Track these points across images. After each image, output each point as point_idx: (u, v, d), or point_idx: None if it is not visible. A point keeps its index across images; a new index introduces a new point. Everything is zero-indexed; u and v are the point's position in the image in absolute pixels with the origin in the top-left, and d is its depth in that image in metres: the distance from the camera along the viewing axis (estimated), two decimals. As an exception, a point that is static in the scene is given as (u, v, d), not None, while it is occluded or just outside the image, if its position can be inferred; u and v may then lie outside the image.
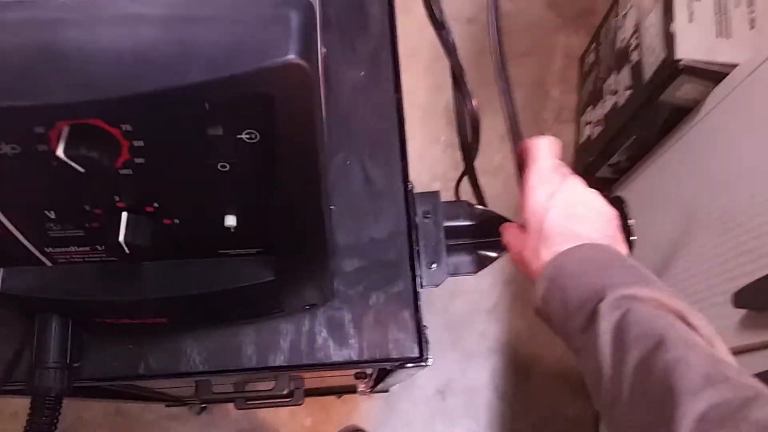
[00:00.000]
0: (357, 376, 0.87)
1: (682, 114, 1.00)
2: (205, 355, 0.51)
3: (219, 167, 0.32)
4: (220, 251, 0.40)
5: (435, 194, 0.58)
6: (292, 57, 0.27)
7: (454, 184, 0.63)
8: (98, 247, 0.38)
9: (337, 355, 0.52)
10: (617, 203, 0.57)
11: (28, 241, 0.37)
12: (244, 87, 0.27)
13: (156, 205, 0.35)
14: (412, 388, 1.26)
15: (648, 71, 1.00)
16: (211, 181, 0.33)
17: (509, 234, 0.51)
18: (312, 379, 1.05)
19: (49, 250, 0.38)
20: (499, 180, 1.20)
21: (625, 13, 1.14)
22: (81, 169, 0.29)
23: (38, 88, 0.27)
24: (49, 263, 0.40)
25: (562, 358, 1.25)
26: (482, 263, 0.57)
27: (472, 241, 0.58)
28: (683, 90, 0.95)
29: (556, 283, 0.42)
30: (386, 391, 1.19)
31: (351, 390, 1.11)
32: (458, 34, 0.54)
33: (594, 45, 1.32)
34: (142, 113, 0.28)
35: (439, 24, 0.61)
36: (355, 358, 0.52)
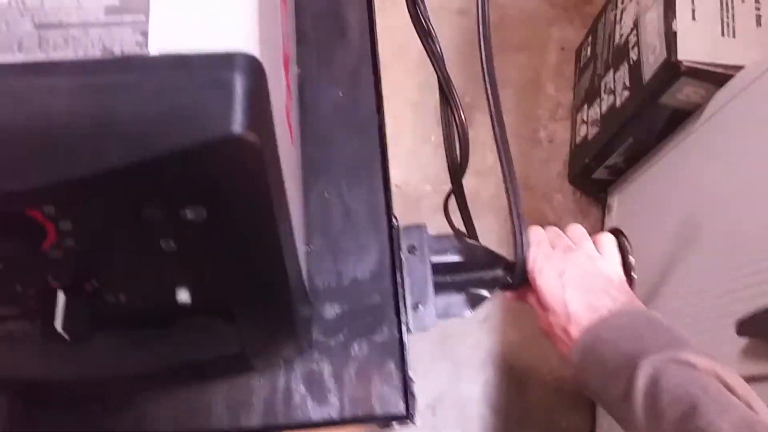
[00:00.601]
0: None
1: (682, 116, 0.96)
2: (172, 416, 0.46)
3: (162, 246, 0.28)
4: (177, 321, 0.36)
5: (421, 228, 0.53)
6: (236, 130, 0.22)
7: (444, 188, 0.58)
8: (33, 324, 0.33)
9: (317, 413, 0.47)
10: (616, 236, 0.52)
11: (-48, 321, 0.32)
12: (178, 167, 0.22)
13: (95, 283, 0.30)
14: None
15: (647, 72, 0.94)
16: (158, 259, 0.29)
17: (532, 304, 0.52)
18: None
19: (-21, 328, 0.33)
20: (491, 181, 1.15)
21: (624, 7, 1.08)
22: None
23: None
24: (-16, 340, 0.35)
25: (557, 370, 1.21)
26: (473, 303, 0.52)
27: (461, 278, 0.53)
28: (684, 92, 0.90)
29: (592, 356, 0.43)
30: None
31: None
32: (448, 26, 0.49)
33: (590, 38, 1.27)
34: (62, 197, 0.24)
35: (425, 31, 0.56)
36: (335, 417, 0.47)
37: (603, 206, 1.26)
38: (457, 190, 0.57)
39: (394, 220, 0.52)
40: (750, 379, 0.69)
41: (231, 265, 0.29)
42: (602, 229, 1.23)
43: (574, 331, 0.45)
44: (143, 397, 0.46)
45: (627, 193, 1.17)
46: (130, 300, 0.32)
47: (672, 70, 0.87)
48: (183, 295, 0.32)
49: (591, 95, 1.21)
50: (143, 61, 0.22)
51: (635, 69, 1.00)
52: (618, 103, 1.07)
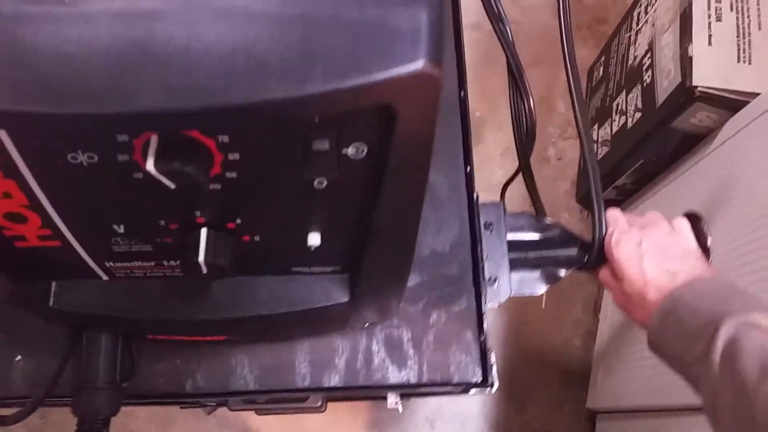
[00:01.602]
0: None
1: (694, 141, 0.95)
2: (256, 374, 0.48)
3: (315, 184, 0.29)
4: (293, 269, 0.37)
5: (498, 204, 0.55)
6: (422, 65, 0.23)
7: (486, 185, 0.59)
8: (164, 263, 0.35)
9: (395, 377, 0.48)
10: (694, 221, 0.54)
11: (89, 255, 0.34)
12: (366, 98, 0.24)
13: (239, 221, 0.31)
14: (400, 415, 1.22)
15: (661, 95, 0.94)
16: (303, 198, 0.30)
17: (605, 280, 0.53)
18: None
19: (109, 264, 0.35)
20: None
21: (639, 29, 1.09)
22: (171, 185, 0.26)
23: (126, 93, 0.23)
24: (105, 278, 0.36)
25: (557, 387, 1.22)
26: (548, 281, 0.54)
27: (537, 256, 0.54)
28: (697, 117, 0.90)
29: (673, 317, 0.44)
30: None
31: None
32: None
33: (603, 58, 1.27)
34: (245, 124, 0.25)
35: (496, 16, 0.58)
36: (413, 381, 0.48)
37: None
38: (526, 170, 0.59)
39: (475, 195, 0.54)
40: None
41: (374, 208, 0.30)
42: None
43: (653, 296, 0.46)
44: (233, 355, 0.47)
45: (634, 207, 1.17)
46: (264, 241, 0.33)
47: (686, 95, 0.86)
48: (314, 239, 0.33)
49: (602, 115, 1.21)
50: (334, 1, 0.24)
51: (648, 91, 1.00)
52: (629, 124, 1.07)
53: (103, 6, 0.23)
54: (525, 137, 0.57)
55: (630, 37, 1.11)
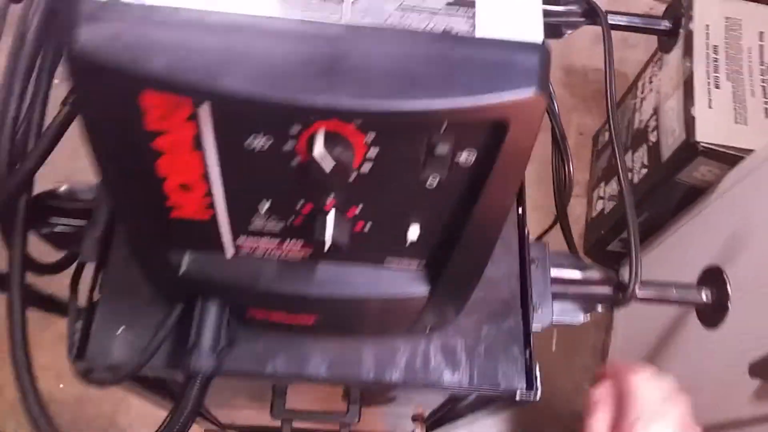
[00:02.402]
0: (414, 419, 0.89)
1: (696, 194, 1.07)
2: (327, 364, 0.54)
3: (427, 183, 0.37)
4: (386, 260, 0.44)
5: (543, 244, 0.62)
6: (534, 91, 0.31)
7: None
8: (286, 242, 0.42)
9: (449, 379, 0.55)
10: (716, 273, 0.61)
11: (229, 229, 0.41)
12: (490, 113, 0.32)
13: (360, 208, 0.39)
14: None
15: (666, 151, 1.06)
16: (415, 194, 0.38)
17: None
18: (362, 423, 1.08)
19: (241, 239, 0.42)
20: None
21: (644, 97, 1.20)
22: (327, 170, 0.34)
23: (314, 90, 0.31)
24: (230, 254, 0.44)
25: (571, 425, 1.26)
26: (586, 311, 0.60)
27: (576, 291, 0.61)
28: (700, 171, 1.02)
29: None
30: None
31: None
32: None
33: (608, 125, 1.39)
34: (391, 126, 0.33)
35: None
36: (465, 384, 0.55)
37: (617, 274, 1.36)
38: (563, 220, 0.67)
39: (526, 232, 0.61)
40: (763, 420, 0.76)
41: (467, 210, 0.38)
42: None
43: None
44: (308, 346, 0.54)
45: (642, 266, 1.25)
46: (372, 230, 0.41)
47: (690, 150, 0.99)
48: (413, 233, 0.41)
49: (608, 173, 1.33)
50: (472, 39, 0.32)
51: (654, 149, 1.11)
52: (636, 179, 1.18)
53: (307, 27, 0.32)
54: (563, 193, 0.66)
55: (635, 104, 1.23)
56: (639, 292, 0.60)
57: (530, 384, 0.55)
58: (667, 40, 0.71)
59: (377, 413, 0.97)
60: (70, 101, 0.54)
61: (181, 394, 0.46)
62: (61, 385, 1.27)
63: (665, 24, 0.69)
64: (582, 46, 1.65)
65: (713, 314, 0.61)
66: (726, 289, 0.59)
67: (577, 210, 1.44)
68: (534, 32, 0.33)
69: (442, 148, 0.34)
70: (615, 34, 1.42)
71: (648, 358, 1.14)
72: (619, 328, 1.30)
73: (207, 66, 0.30)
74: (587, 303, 0.61)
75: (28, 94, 0.56)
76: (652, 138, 1.12)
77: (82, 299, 0.60)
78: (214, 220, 0.40)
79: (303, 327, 0.51)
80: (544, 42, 0.32)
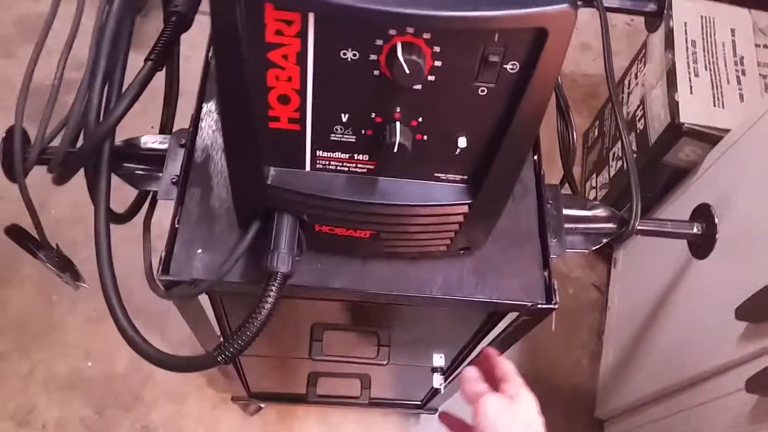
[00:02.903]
0: (433, 370, 0.97)
1: (681, 176, 1.19)
2: (379, 281, 0.63)
3: (479, 91, 0.46)
4: (434, 174, 0.54)
5: (556, 186, 0.72)
6: (567, 6, 0.41)
7: None
8: (357, 156, 0.51)
9: (481, 294, 0.63)
10: (705, 209, 0.70)
11: (312, 140, 0.50)
12: (532, 21, 0.41)
13: (420, 119, 0.48)
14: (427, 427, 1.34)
15: (653, 135, 1.19)
16: (469, 102, 0.47)
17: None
18: (379, 386, 1.15)
19: (319, 153, 0.51)
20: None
21: (630, 92, 1.33)
22: (407, 70, 0.43)
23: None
24: (308, 168, 0.53)
25: (568, 402, 1.35)
26: (594, 243, 0.70)
27: (584, 227, 0.71)
28: (685, 152, 1.14)
29: None
30: (435, 410, 1.28)
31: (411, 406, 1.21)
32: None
33: (597, 123, 1.54)
34: (454, 35, 0.42)
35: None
36: (495, 298, 0.63)
37: (609, 260, 1.48)
38: (569, 176, 0.77)
39: (542, 173, 0.71)
40: (750, 359, 0.85)
41: (510, 117, 0.47)
42: (609, 280, 1.43)
43: None
44: (362, 265, 0.63)
45: (631, 247, 1.37)
46: (428, 141, 0.50)
47: (675, 130, 1.12)
48: (462, 142, 0.50)
49: (599, 165, 1.45)
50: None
51: (642, 136, 1.24)
52: (626, 165, 1.30)
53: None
54: (568, 152, 0.76)
55: (622, 98, 1.35)
56: (639, 227, 0.69)
57: (549, 298, 0.64)
58: (653, 20, 0.82)
59: (397, 372, 1.05)
60: (152, 57, 0.64)
61: (264, 290, 0.54)
62: (90, 363, 1.33)
63: (651, 6, 0.80)
64: (569, 54, 1.77)
65: (704, 245, 0.71)
66: (714, 222, 0.69)
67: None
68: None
69: (495, 56, 0.44)
70: (598, 45, 1.55)
71: (640, 330, 1.24)
72: (613, 308, 1.40)
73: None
74: (595, 237, 0.71)
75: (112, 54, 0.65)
76: (640, 125, 1.24)
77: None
78: (302, 132, 0.49)
79: (358, 247, 0.60)
80: (572, -29, 0.42)
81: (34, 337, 1.37)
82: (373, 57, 0.44)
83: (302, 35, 0.43)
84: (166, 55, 0.65)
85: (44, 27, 0.65)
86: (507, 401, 0.60)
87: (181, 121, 0.73)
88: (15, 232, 0.69)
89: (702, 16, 1.21)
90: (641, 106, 1.26)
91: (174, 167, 0.66)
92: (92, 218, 0.60)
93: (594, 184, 1.46)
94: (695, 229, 0.70)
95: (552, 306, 0.63)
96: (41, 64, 0.62)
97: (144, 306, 0.94)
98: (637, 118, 1.26)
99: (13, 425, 1.29)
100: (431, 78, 0.45)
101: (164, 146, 0.68)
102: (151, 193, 0.70)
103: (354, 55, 0.44)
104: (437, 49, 0.43)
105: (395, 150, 0.48)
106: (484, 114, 0.48)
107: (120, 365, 1.34)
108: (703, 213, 0.70)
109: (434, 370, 0.95)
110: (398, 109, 0.48)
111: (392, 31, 0.42)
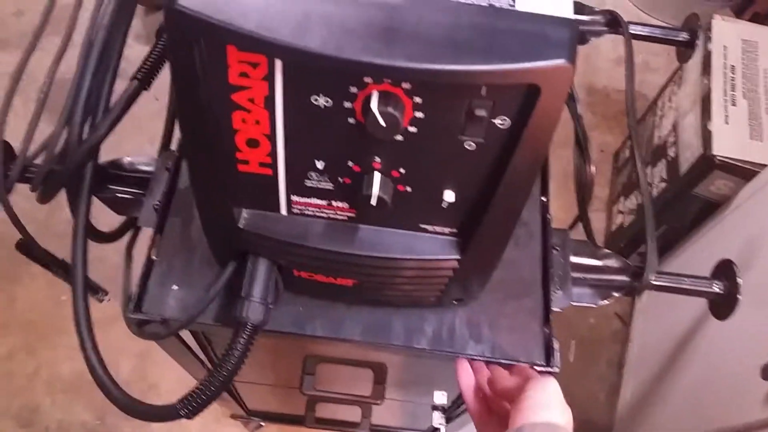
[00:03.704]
0: (434, 408, 0.93)
1: (711, 208, 1.11)
2: (361, 328, 0.59)
3: (466, 145, 0.41)
4: (420, 225, 0.49)
5: (565, 231, 0.67)
6: (564, 62, 0.36)
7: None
8: (334, 203, 0.47)
9: (473, 349, 0.59)
10: (728, 264, 0.64)
11: (285, 186, 0.46)
12: (524, 77, 0.37)
13: (402, 171, 0.44)
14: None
15: (684, 165, 1.11)
16: (454, 156, 0.42)
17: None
18: (380, 414, 1.11)
19: (294, 198, 0.47)
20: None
21: (662, 115, 1.25)
22: (383, 124, 0.38)
23: (374, 51, 0.35)
24: (284, 212, 0.49)
25: None
26: (603, 298, 0.64)
27: (594, 278, 0.65)
28: (716, 185, 1.06)
29: None
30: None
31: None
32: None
33: (629, 143, 1.45)
34: (436, 87, 0.38)
35: (569, 95, 0.72)
36: (488, 354, 0.59)
37: None
38: (584, 216, 0.71)
39: (549, 218, 0.66)
40: None
41: (500, 173, 0.43)
42: (632, 311, 1.36)
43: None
44: (343, 312, 0.59)
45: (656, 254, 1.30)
46: (412, 193, 0.45)
47: (707, 163, 1.04)
48: (449, 196, 0.45)
49: (628, 189, 1.38)
50: (512, 12, 0.37)
51: (673, 164, 1.16)
52: (655, 193, 1.22)
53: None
54: (584, 189, 0.70)
55: (654, 121, 1.28)
56: (654, 281, 0.63)
57: (548, 360, 0.59)
58: (684, 50, 0.76)
59: (398, 404, 1.00)
60: (138, 76, 0.60)
61: (232, 340, 0.51)
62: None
63: (683, 35, 0.73)
64: (604, 66, 1.71)
65: (724, 305, 0.65)
66: (736, 281, 0.63)
67: (596, 224, 1.48)
68: (565, 9, 0.38)
69: (482, 111, 0.39)
70: (638, 59, 1.48)
71: (663, 369, 1.17)
72: (635, 341, 1.33)
73: (287, 27, 0.35)
74: (605, 290, 0.65)
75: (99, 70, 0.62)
76: (671, 153, 1.17)
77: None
78: (274, 177, 0.45)
79: (340, 293, 0.56)
80: (573, 18, 0.37)
81: (41, 337, 1.36)
82: (347, 104, 0.39)
83: (269, 79, 0.39)
84: (153, 75, 0.62)
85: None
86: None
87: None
88: (25, 247, 0.67)
89: (743, 40, 1.13)
90: (673, 132, 1.18)
91: (158, 192, 0.63)
92: (103, 221, 0.58)
93: (621, 209, 1.39)
94: (715, 288, 0.64)
95: (551, 369, 0.58)
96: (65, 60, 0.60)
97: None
98: (669, 145, 1.19)
99: (16, 425, 1.28)
100: (412, 129, 0.41)
101: (150, 168, 0.65)
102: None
103: (326, 101, 0.39)
104: (418, 100, 0.39)
105: (373, 203, 0.44)
106: (472, 169, 0.44)
107: (124, 372, 1.33)
108: (725, 270, 0.64)
109: (435, 408, 0.90)
110: (377, 159, 0.43)
111: (368, 79, 0.38)
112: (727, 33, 1.13)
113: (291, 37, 0.35)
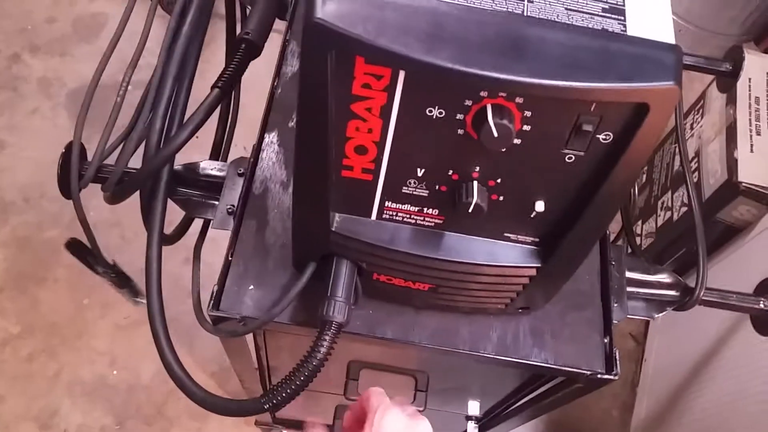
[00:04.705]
0: (467, 418, 0.94)
1: (732, 234, 1.14)
2: (428, 333, 0.61)
3: (566, 158, 0.44)
4: (504, 233, 0.51)
5: (620, 247, 0.69)
6: (672, 83, 0.39)
7: None
8: (426, 210, 0.49)
9: (537, 356, 0.61)
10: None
11: (382, 191, 0.48)
12: (636, 96, 0.39)
13: (499, 180, 0.46)
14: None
15: (707, 191, 1.14)
16: (554, 168, 0.45)
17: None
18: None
19: (388, 203, 0.49)
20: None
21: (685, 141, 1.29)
22: (495, 133, 0.41)
23: (502, 65, 0.38)
24: (374, 217, 0.51)
25: None
26: (658, 311, 0.67)
27: (647, 292, 0.68)
28: (739, 210, 1.10)
29: None
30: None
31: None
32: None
33: (646, 168, 1.50)
34: (548, 102, 0.40)
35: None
36: (551, 362, 0.61)
37: None
38: (630, 233, 0.74)
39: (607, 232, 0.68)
40: None
41: (595, 188, 0.45)
42: (647, 331, 1.38)
43: None
44: (413, 317, 0.61)
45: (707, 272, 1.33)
46: (503, 202, 0.47)
47: (732, 188, 1.08)
48: (539, 206, 0.48)
49: (646, 213, 1.41)
50: (625, 36, 0.40)
51: (695, 189, 1.19)
52: (675, 217, 1.26)
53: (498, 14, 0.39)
54: (629, 209, 0.73)
55: (675, 148, 1.31)
56: (703, 297, 0.66)
57: (610, 367, 0.61)
58: (726, 80, 0.79)
59: (432, 411, 1.02)
60: (220, 85, 0.63)
61: (317, 339, 0.52)
62: (115, 372, 1.33)
63: (726, 66, 0.77)
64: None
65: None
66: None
67: (613, 244, 1.52)
68: (669, 35, 0.40)
69: (588, 125, 0.41)
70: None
71: (679, 388, 1.19)
72: (650, 360, 1.36)
73: (417, 41, 0.37)
74: (658, 304, 0.68)
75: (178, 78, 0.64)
76: (693, 179, 1.20)
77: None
78: (373, 182, 0.48)
79: (412, 297, 0.58)
80: (677, 45, 0.40)
81: (63, 340, 1.36)
82: (459, 116, 0.42)
83: (390, 90, 0.41)
84: (233, 84, 0.64)
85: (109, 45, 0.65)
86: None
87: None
88: (74, 247, 0.68)
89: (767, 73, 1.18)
90: (696, 159, 1.22)
91: (231, 197, 0.65)
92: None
93: (639, 232, 1.43)
94: (762, 305, 0.67)
95: (612, 377, 0.60)
96: (92, 67, 0.62)
97: (174, 317, 0.92)
98: (691, 171, 1.23)
99: (36, 428, 1.28)
100: (517, 141, 0.43)
101: (222, 173, 0.67)
102: (203, 221, 0.69)
103: (440, 112, 0.42)
104: (528, 113, 0.41)
105: (470, 210, 0.46)
106: (568, 181, 0.46)
107: (145, 377, 1.33)
108: (769, 289, 0.67)
109: (468, 418, 0.92)
110: (477, 169, 0.46)
111: (483, 93, 0.40)
112: (752, 66, 1.17)
113: (421, 51, 0.37)
